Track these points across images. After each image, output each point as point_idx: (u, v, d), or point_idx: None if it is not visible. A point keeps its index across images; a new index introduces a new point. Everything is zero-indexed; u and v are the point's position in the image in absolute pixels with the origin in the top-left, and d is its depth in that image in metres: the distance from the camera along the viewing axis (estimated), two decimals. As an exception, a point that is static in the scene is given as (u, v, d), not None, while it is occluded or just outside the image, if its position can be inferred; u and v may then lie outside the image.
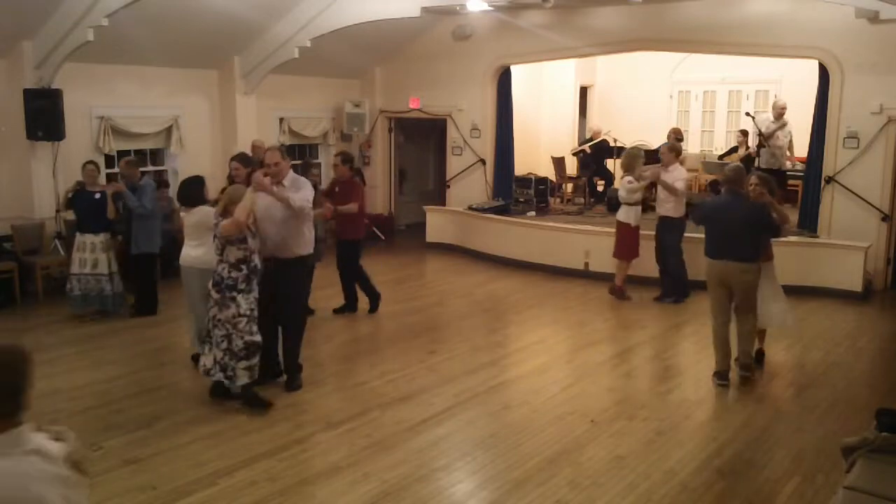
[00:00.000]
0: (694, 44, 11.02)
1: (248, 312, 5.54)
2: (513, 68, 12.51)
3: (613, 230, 10.32)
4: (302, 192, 5.85)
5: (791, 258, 9.50)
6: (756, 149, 11.56)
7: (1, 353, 1.90)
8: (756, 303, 6.35)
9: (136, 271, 8.29)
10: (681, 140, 12.45)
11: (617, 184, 11.02)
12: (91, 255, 8.00)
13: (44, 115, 8.79)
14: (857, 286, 9.15)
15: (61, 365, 6.59)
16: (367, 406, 5.78)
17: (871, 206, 9.48)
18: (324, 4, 10.09)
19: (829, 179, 9.71)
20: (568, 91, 14.78)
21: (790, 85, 12.88)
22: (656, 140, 13.22)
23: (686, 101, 14.94)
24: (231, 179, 7.18)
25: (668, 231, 8.83)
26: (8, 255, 8.91)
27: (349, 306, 8.44)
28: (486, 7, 10.81)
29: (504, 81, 12.46)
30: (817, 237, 9.74)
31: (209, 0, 9.15)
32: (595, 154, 13.00)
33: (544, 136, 14.42)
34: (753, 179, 6.41)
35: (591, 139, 13.10)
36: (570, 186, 13.92)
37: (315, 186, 7.03)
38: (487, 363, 6.85)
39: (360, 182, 9.05)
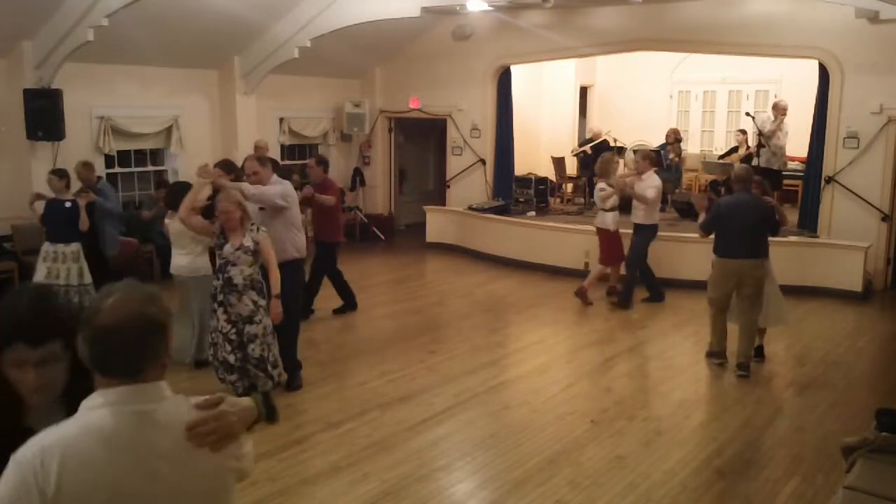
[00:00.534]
0: (694, 44, 11.02)
1: (224, 329, 5.42)
2: (513, 68, 12.51)
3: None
4: (268, 187, 5.91)
5: (791, 258, 9.51)
6: (756, 149, 11.57)
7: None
8: (761, 300, 6.45)
9: (106, 274, 8.07)
10: (680, 140, 12.48)
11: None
12: (63, 266, 7.57)
13: (44, 115, 8.78)
14: (857, 286, 9.15)
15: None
16: (367, 406, 5.78)
17: (871, 206, 9.48)
18: (324, 4, 10.08)
19: (829, 179, 9.71)
20: (568, 91, 14.78)
21: (790, 85, 12.88)
22: (656, 140, 13.23)
23: (686, 101, 14.93)
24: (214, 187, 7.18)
25: (636, 234, 8.75)
26: (8, 255, 8.91)
27: (349, 305, 8.43)
28: (486, 7, 10.81)
29: (504, 81, 12.46)
30: (817, 237, 9.74)
31: (209, 0, 9.15)
32: (595, 154, 12.98)
33: (544, 136, 14.42)
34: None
35: (591, 139, 13.10)
36: (570, 186, 13.92)
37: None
38: (487, 363, 6.85)
39: (335, 182, 8.94)
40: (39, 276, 7.60)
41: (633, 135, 14.12)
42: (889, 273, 9.72)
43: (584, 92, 15.31)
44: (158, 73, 10.44)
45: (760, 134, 10.80)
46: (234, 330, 5.37)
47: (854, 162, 9.50)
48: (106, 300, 1.69)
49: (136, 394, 1.70)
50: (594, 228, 9.05)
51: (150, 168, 10.86)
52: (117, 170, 10.40)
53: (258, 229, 5.48)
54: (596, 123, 14.29)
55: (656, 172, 12.70)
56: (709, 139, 14.77)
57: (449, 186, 13.01)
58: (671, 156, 12.27)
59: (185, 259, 6.48)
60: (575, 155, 13.44)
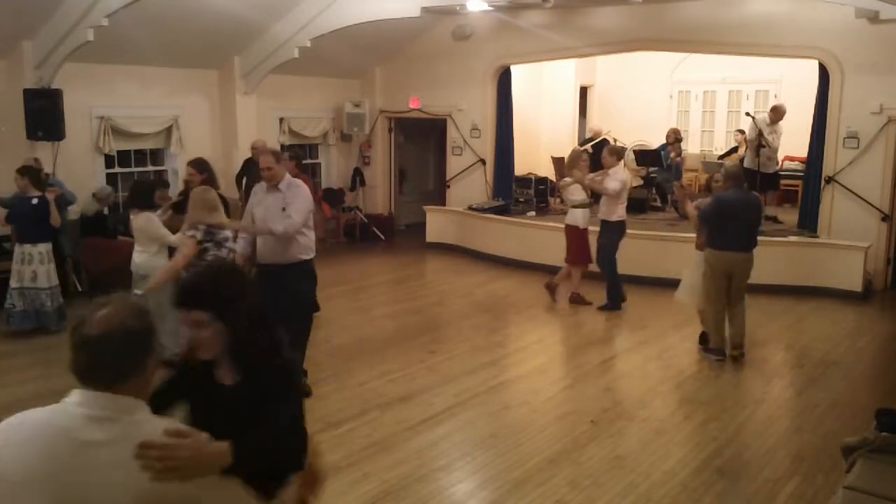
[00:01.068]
0: (694, 44, 11.02)
1: None
2: (513, 68, 12.51)
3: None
4: (293, 206, 5.56)
5: (791, 258, 9.52)
6: (756, 149, 11.57)
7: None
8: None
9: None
10: (680, 140, 12.49)
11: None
12: (29, 267, 7.27)
13: (44, 115, 8.78)
14: (857, 286, 9.15)
15: (65, 365, 6.57)
16: (367, 406, 5.78)
17: (871, 206, 9.48)
18: (324, 4, 10.09)
19: (829, 179, 9.71)
20: (568, 91, 14.78)
21: (790, 85, 12.89)
22: (656, 140, 13.23)
23: (686, 101, 14.94)
24: (186, 185, 7.16)
25: (602, 233, 8.59)
26: (8, 255, 8.89)
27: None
28: (486, 7, 10.81)
29: (504, 81, 12.46)
30: (817, 237, 9.74)
31: (209, 0, 9.15)
32: (596, 154, 12.98)
33: (544, 136, 14.43)
34: (718, 177, 7.04)
35: (591, 139, 13.10)
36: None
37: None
38: (487, 363, 6.85)
39: (308, 178, 8.74)
40: (14, 280, 7.33)
41: (633, 135, 14.12)
42: (889, 273, 9.72)
43: (584, 92, 15.31)
44: (158, 73, 10.44)
45: (761, 134, 10.80)
46: None
47: (854, 162, 9.50)
48: (96, 311, 1.79)
49: (100, 400, 1.77)
50: (593, 228, 8.95)
51: (150, 168, 10.85)
52: (117, 170, 10.40)
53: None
54: (596, 122, 14.30)
55: (657, 172, 12.84)
56: (709, 139, 14.78)
57: (449, 186, 13.01)
58: (671, 155, 12.27)
59: (142, 257, 6.48)
60: (602, 158, 13.41)
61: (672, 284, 7.61)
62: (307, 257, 5.82)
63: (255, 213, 5.72)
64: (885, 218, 9.47)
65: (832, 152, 9.68)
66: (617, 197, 8.30)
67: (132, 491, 1.72)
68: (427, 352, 7.15)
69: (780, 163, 11.25)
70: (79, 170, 9.56)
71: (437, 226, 12.48)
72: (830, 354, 7.20)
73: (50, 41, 8.77)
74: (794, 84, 12.53)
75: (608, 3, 10.84)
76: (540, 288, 9.27)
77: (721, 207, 6.68)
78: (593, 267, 8.84)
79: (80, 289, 9.09)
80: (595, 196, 8.69)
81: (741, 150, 12.34)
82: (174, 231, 6.44)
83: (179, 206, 6.34)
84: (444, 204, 13.01)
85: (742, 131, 12.58)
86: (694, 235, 7.19)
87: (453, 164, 12.93)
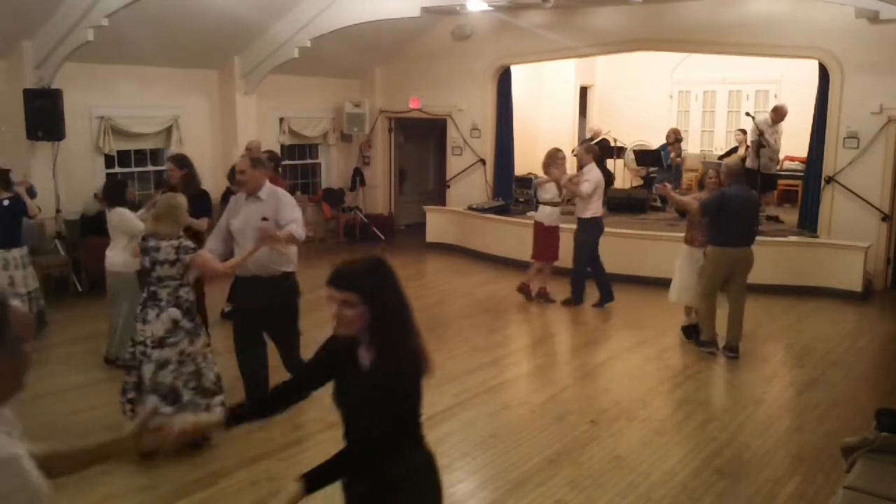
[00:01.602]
0: (694, 44, 11.02)
1: (209, 341, 5.11)
2: (513, 68, 12.51)
3: (614, 231, 10.34)
4: (286, 214, 5.19)
5: (791, 258, 9.52)
6: (756, 149, 11.56)
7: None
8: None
9: None
10: (680, 140, 12.49)
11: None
12: (5, 273, 6.90)
13: (44, 115, 8.78)
14: (857, 286, 9.15)
15: (69, 363, 6.59)
16: (367, 406, 5.76)
17: (871, 206, 9.48)
18: (324, 4, 10.09)
19: (829, 179, 9.71)
20: (568, 91, 14.77)
21: (790, 85, 12.89)
22: (656, 140, 13.24)
23: (686, 101, 14.94)
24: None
25: (579, 231, 8.75)
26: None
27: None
28: (486, 7, 10.81)
29: (504, 81, 12.46)
30: (817, 237, 9.74)
31: (209, 0, 9.15)
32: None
33: (544, 136, 14.41)
34: (711, 173, 7.23)
35: (591, 139, 13.11)
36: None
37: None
38: (487, 363, 6.85)
39: (284, 183, 8.53)
40: None
41: (633, 135, 14.13)
42: (889, 273, 9.72)
43: (584, 92, 15.31)
44: (158, 73, 10.44)
45: (761, 134, 10.80)
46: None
47: (854, 162, 9.50)
48: None
49: None
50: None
51: (150, 168, 10.85)
52: (117, 170, 10.39)
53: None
54: (596, 122, 14.30)
55: (657, 172, 12.85)
56: (709, 139, 14.79)
57: (449, 186, 13.01)
58: (672, 155, 12.28)
59: (111, 252, 6.45)
60: (575, 155, 13.42)
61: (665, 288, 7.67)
62: (291, 269, 5.44)
63: (232, 223, 5.31)
64: (885, 218, 9.47)
65: (832, 152, 9.68)
66: (590, 197, 8.47)
67: None
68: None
69: (780, 163, 11.26)
70: (79, 170, 9.57)
71: (437, 226, 12.48)
72: (830, 354, 7.20)
73: (50, 41, 8.77)
74: (794, 84, 12.54)
75: (608, 3, 10.84)
76: (552, 290, 9.30)
77: (726, 202, 6.74)
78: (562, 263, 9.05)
79: (80, 289, 9.10)
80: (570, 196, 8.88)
81: (741, 150, 12.34)
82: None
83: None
84: (444, 204, 13.01)
85: (743, 131, 12.58)
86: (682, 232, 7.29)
87: (453, 164, 12.93)
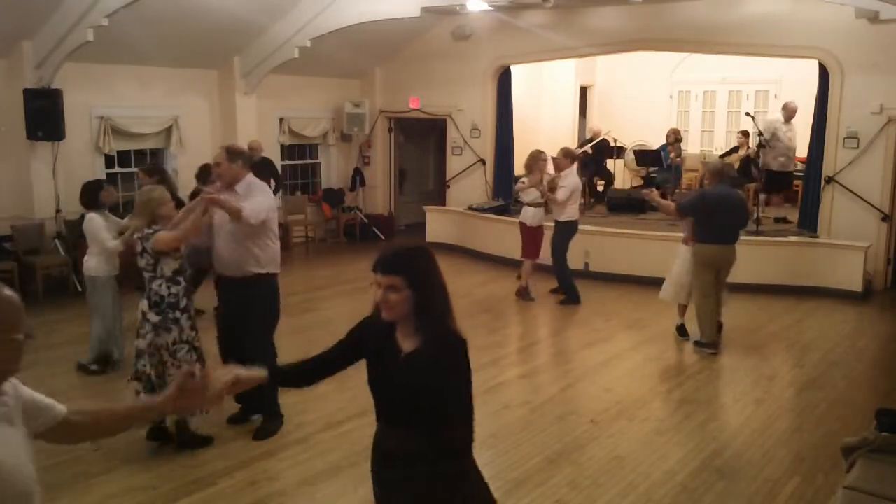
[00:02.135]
0: (694, 44, 11.02)
1: (189, 338, 4.92)
2: (513, 68, 12.50)
3: (614, 231, 10.37)
4: (252, 201, 4.91)
5: (791, 258, 9.52)
6: (756, 149, 11.56)
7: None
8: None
9: None
10: (680, 140, 12.49)
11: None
12: None
13: (44, 115, 8.79)
14: (857, 286, 9.15)
15: (65, 364, 6.59)
16: (367, 406, 5.66)
17: (871, 206, 9.48)
18: (324, 4, 10.08)
19: (829, 179, 9.71)
20: (568, 91, 14.78)
21: (790, 85, 12.88)
22: (656, 140, 13.24)
23: (686, 101, 14.94)
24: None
25: (555, 232, 8.99)
26: (8, 254, 8.91)
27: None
28: (486, 7, 10.81)
29: (504, 81, 12.46)
30: (817, 237, 9.73)
31: (209, 0, 9.15)
32: (596, 154, 13.01)
33: (544, 136, 14.40)
34: (704, 171, 7.59)
35: (591, 139, 13.11)
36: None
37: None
38: (487, 363, 6.84)
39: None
40: None
41: (633, 135, 14.13)
42: (889, 273, 9.72)
43: (584, 92, 15.32)
44: (158, 73, 10.45)
45: (761, 134, 10.80)
46: (196, 336, 5.01)
47: (854, 162, 9.50)
48: None
49: None
50: (593, 228, 9.15)
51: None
52: (117, 170, 10.40)
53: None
54: (596, 123, 14.30)
55: (657, 172, 12.85)
56: (709, 139, 14.79)
57: (449, 186, 13.01)
58: (671, 156, 12.27)
59: (88, 258, 6.39)
60: (554, 159, 13.42)
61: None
62: (263, 271, 5.09)
63: (214, 217, 5.08)
64: (885, 218, 9.46)
65: (832, 152, 9.68)
66: (565, 202, 8.75)
67: None
68: (427, 352, 7.13)
69: (792, 163, 11.21)
70: (79, 170, 9.55)
71: (437, 226, 12.48)
72: (830, 354, 7.20)
73: (50, 41, 8.77)
74: (794, 84, 12.53)
75: (608, 3, 10.84)
76: (540, 288, 9.29)
77: (705, 203, 7.02)
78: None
79: (80, 289, 9.10)
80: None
81: (741, 151, 12.34)
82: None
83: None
84: (444, 204, 13.01)
85: (745, 132, 12.57)
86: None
87: (453, 164, 12.93)
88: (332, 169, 13.62)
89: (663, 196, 12.33)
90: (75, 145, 9.50)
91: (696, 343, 7.23)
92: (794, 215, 10.95)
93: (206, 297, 6.17)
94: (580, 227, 10.39)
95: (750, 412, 5.80)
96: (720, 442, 5.22)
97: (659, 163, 12.65)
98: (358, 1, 9.87)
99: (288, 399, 5.84)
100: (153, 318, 4.84)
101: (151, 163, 7.06)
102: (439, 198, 13.51)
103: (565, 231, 8.92)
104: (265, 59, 10.94)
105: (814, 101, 10.09)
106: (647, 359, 7.13)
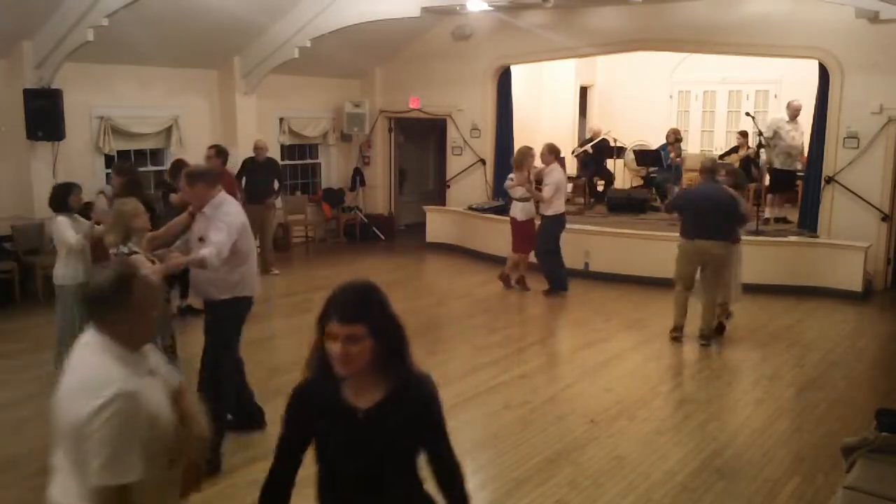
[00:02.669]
0: (694, 44, 11.02)
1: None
2: (513, 68, 12.51)
3: (614, 231, 10.37)
4: (214, 235, 4.60)
5: (791, 258, 9.52)
6: (756, 149, 11.56)
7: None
8: (725, 280, 7.36)
9: None
10: (680, 140, 12.49)
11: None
12: None
13: (44, 115, 8.78)
14: (857, 286, 9.15)
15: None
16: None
17: (871, 206, 9.48)
18: (324, 4, 10.09)
19: (829, 179, 9.71)
20: (568, 91, 14.77)
21: (790, 85, 12.87)
22: (656, 140, 13.24)
23: (686, 101, 14.94)
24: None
25: (541, 226, 9.24)
26: (8, 254, 8.91)
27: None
28: (486, 7, 10.81)
29: (504, 81, 12.46)
30: (817, 237, 9.73)
31: (209, 0, 9.15)
32: (596, 154, 13.01)
33: (544, 136, 14.34)
34: (722, 171, 7.70)
35: (591, 139, 13.11)
36: (569, 186, 13.90)
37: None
38: (487, 363, 6.85)
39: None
40: None
41: (633, 135, 14.12)
42: (889, 273, 9.72)
43: (584, 92, 15.31)
44: (158, 73, 10.45)
45: (761, 134, 10.80)
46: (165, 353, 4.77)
47: (854, 162, 9.50)
48: None
49: None
50: (593, 228, 9.20)
51: (151, 168, 10.85)
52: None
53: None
54: (596, 122, 14.30)
55: (657, 172, 12.84)
56: (709, 139, 14.78)
57: (449, 186, 13.01)
58: (671, 156, 12.28)
59: (57, 262, 6.20)
60: (576, 155, 13.45)
61: (672, 284, 7.67)
62: (228, 297, 4.79)
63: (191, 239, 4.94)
64: (885, 218, 9.46)
65: (832, 152, 9.68)
66: (551, 198, 8.98)
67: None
68: (427, 352, 7.14)
69: (797, 162, 11.18)
70: (79, 170, 9.54)
71: (437, 226, 12.48)
72: (830, 354, 7.20)
73: (50, 41, 8.77)
74: (794, 84, 12.51)
75: (608, 3, 10.84)
76: (540, 288, 9.31)
77: (686, 200, 7.61)
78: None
79: None
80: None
81: (741, 151, 12.34)
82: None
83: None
84: (444, 204, 13.01)
85: (744, 133, 12.57)
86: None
87: (453, 164, 12.93)
88: (332, 169, 13.62)
89: (664, 197, 12.38)
90: (75, 145, 9.50)
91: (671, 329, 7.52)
92: (794, 215, 10.94)
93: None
94: (580, 227, 10.46)
95: (750, 412, 5.80)
96: (720, 442, 5.22)
97: (659, 163, 12.65)
98: (358, 1, 9.87)
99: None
100: None
101: (121, 162, 6.91)
102: (439, 198, 13.51)
103: (552, 225, 9.14)
104: (265, 59, 10.94)
105: (814, 101, 10.09)
106: (647, 359, 7.13)
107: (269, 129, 12.01)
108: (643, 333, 7.85)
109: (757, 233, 9.72)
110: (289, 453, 2.28)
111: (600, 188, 13.30)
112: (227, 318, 4.88)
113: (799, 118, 10.80)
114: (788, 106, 10.95)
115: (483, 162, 12.52)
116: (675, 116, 14.78)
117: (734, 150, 12.71)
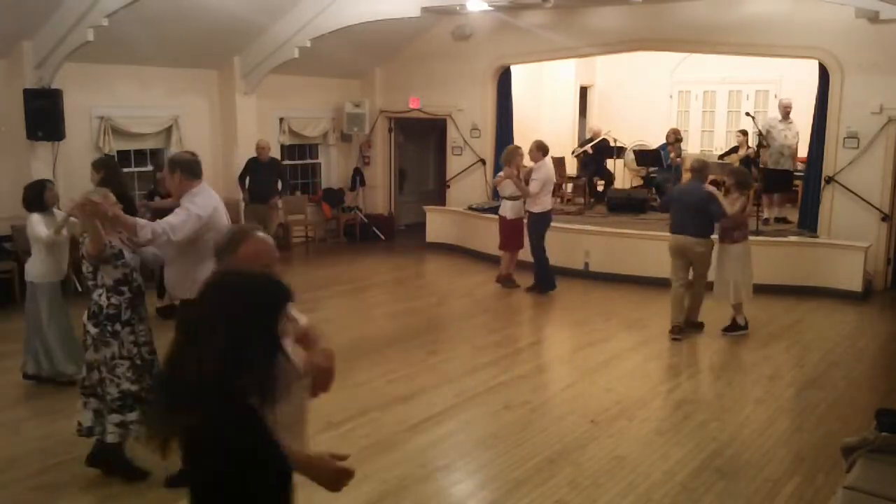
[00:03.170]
0: (694, 44, 11.02)
1: (130, 353, 4.43)
2: (513, 68, 12.50)
3: (614, 231, 10.37)
4: (173, 216, 4.42)
5: (791, 258, 9.52)
6: (756, 149, 11.55)
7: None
8: (725, 276, 7.48)
9: None
10: (680, 140, 12.48)
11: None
12: None
13: (44, 115, 8.78)
14: (857, 286, 9.15)
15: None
16: (367, 406, 5.78)
17: (871, 206, 9.48)
18: (324, 4, 10.09)
19: (829, 179, 9.70)
20: (568, 91, 14.77)
21: (790, 85, 12.88)
22: (656, 140, 13.24)
23: (686, 101, 14.93)
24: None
25: (529, 223, 9.36)
26: (8, 254, 8.91)
27: None
28: (486, 7, 10.81)
29: (504, 81, 12.46)
30: (817, 237, 9.73)
31: (209, 0, 9.15)
32: (596, 154, 13.01)
33: (544, 136, 14.31)
34: (711, 173, 8.13)
35: (591, 139, 13.11)
36: (570, 186, 13.92)
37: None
38: (487, 363, 6.85)
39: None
40: None
41: (633, 135, 14.13)
42: (889, 273, 9.71)
43: (584, 92, 15.31)
44: (158, 73, 10.44)
45: (761, 134, 10.80)
46: (140, 352, 4.54)
47: (854, 162, 9.50)
48: None
49: None
50: (593, 228, 9.23)
51: (151, 168, 10.83)
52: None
53: None
54: (596, 122, 14.30)
55: (657, 172, 12.84)
56: (709, 139, 14.78)
57: (449, 186, 13.01)
58: (671, 156, 12.27)
59: (34, 265, 6.15)
60: (576, 155, 13.45)
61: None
62: (186, 297, 4.35)
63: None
64: (885, 218, 9.46)
65: (832, 152, 9.67)
66: (537, 194, 9.10)
67: None
68: (427, 352, 7.15)
69: (793, 162, 11.19)
70: (79, 170, 9.52)
71: (437, 226, 12.48)
72: (830, 354, 7.20)
73: (50, 41, 8.77)
74: (794, 84, 12.52)
75: (608, 3, 10.83)
76: (521, 283, 9.37)
77: (669, 198, 7.97)
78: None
79: (80, 289, 9.09)
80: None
81: (741, 151, 12.34)
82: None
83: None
84: (444, 204, 13.01)
85: (744, 132, 12.56)
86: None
87: (453, 164, 12.93)
88: (332, 169, 13.62)
89: (663, 196, 12.38)
90: (75, 145, 9.49)
91: (724, 329, 7.65)
92: (794, 215, 10.94)
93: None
94: (580, 227, 10.47)
95: (750, 412, 5.80)
96: (720, 442, 5.22)
97: (659, 163, 12.65)
98: (358, 1, 9.87)
99: (288, 399, 5.84)
100: (91, 329, 4.42)
101: (100, 157, 6.87)
102: (439, 198, 13.51)
103: (539, 222, 9.24)
104: (265, 59, 10.94)
105: (814, 101, 10.09)
106: (647, 359, 7.13)
107: (269, 129, 12.00)
108: (643, 333, 7.85)
109: (757, 233, 9.72)
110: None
111: (600, 188, 13.30)
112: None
113: (791, 116, 10.82)
114: (779, 104, 10.98)
115: (483, 162, 12.51)
116: (675, 116, 14.78)
117: (734, 149, 12.70)
